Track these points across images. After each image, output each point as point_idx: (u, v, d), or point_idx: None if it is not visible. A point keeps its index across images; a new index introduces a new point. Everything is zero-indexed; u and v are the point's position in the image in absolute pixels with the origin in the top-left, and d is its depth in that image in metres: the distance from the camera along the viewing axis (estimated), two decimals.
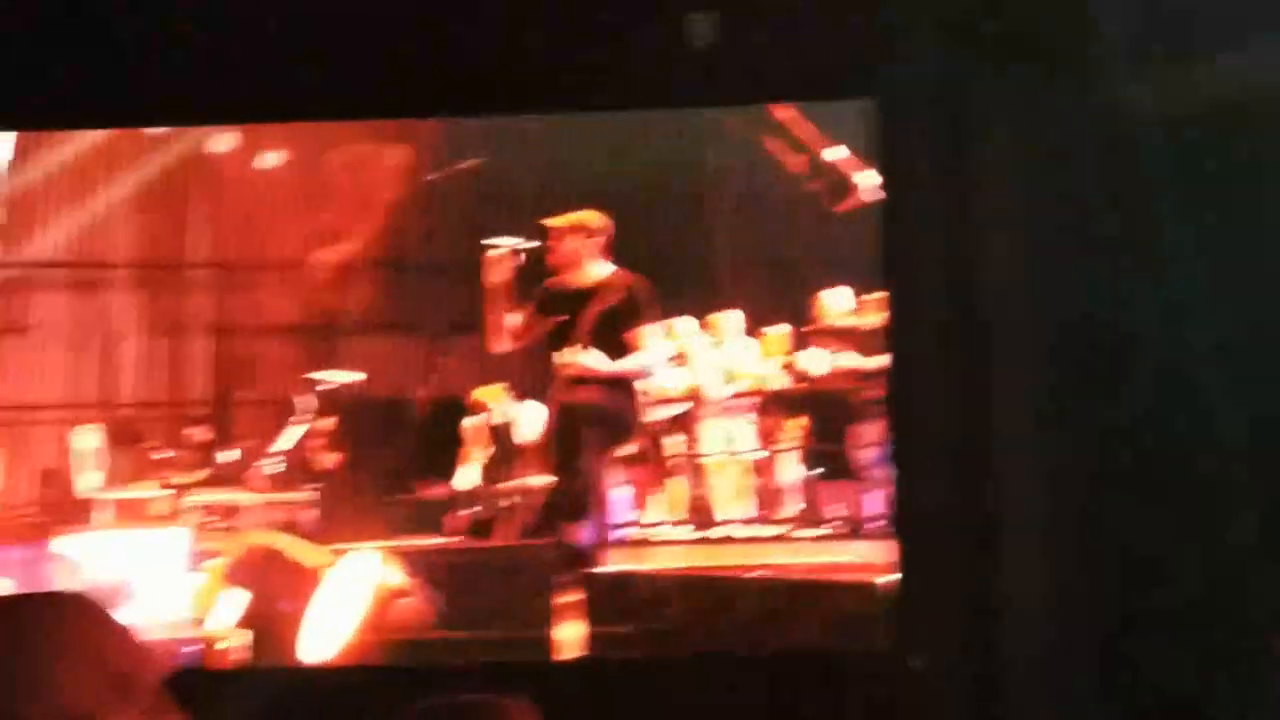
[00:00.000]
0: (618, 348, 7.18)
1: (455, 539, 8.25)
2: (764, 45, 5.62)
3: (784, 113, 4.71)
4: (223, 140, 13.74)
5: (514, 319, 7.31)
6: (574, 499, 7.24)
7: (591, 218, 7.39)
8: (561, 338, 7.21)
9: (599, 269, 7.31)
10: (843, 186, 4.43)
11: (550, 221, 7.30)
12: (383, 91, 6.12)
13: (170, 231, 14.03)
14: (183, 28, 5.86)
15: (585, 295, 7.14)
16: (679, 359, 9.48)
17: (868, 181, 4.27)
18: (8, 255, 13.02)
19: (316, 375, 9.50)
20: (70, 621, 1.26)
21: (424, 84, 6.10)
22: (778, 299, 12.13)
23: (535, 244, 7.24)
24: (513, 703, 2.60)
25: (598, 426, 7.33)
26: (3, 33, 5.82)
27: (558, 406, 7.33)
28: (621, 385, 7.44)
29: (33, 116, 6.57)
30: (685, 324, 9.67)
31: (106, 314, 13.61)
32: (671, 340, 9.53)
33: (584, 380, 7.17)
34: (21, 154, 12.76)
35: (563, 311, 7.23)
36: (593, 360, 7.08)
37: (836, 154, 4.31)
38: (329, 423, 11.12)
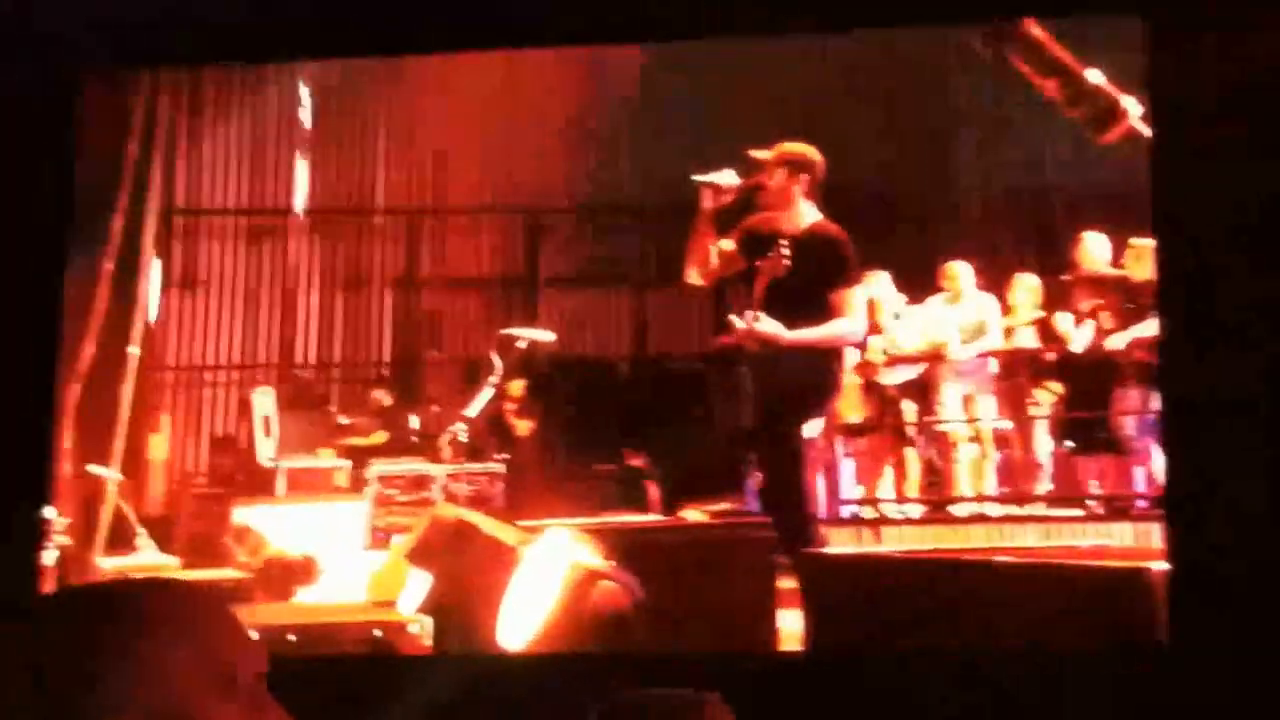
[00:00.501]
0: (812, 306, 7.00)
1: (659, 517, 8.27)
2: None
3: (1039, 31, 4.54)
4: (406, 75, 13.99)
5: (713, 252, 7.21)
6: (784, 473, 7.14)
7: (803, 150, 7.24)
8: (750, 286, 7.07)
9: (806, 213, 7.15)
10: (1110, 113, 4.23)
11: (757, 153, 7.19)
12: (586, 13, 6.10)
13: (351, 175, 14.35)
14: None
15: (783, 241, 6.98)
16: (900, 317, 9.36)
17: (1137, 108, 4.07)
18: (177, 202, 13.41)
19: (509, 332, 9.57)
20: (184, 610, 1.32)
21: (631, 5, 6.08)
22: (1024, 244, 11.93)
23: (740, 181, 7.14)
24: (705, 699, 2.56)
25: (797, 392, 7.18)
26: None
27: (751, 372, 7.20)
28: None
29: (206, 49, 6.71)
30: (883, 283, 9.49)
31: (283, 266, 13.95)
32: (886, 295, 9.38)
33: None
34: (192, 97, 13.16)
35: (756, 256, 7.09)
36: (771, 328, 6.90)
37: (1098, 77, 4.12)
38: (522, 386, 11.23)
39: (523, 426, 11.66)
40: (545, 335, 10.00)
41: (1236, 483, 5.16)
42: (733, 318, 7.04)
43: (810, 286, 6.85)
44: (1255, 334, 5.20)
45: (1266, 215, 5.17)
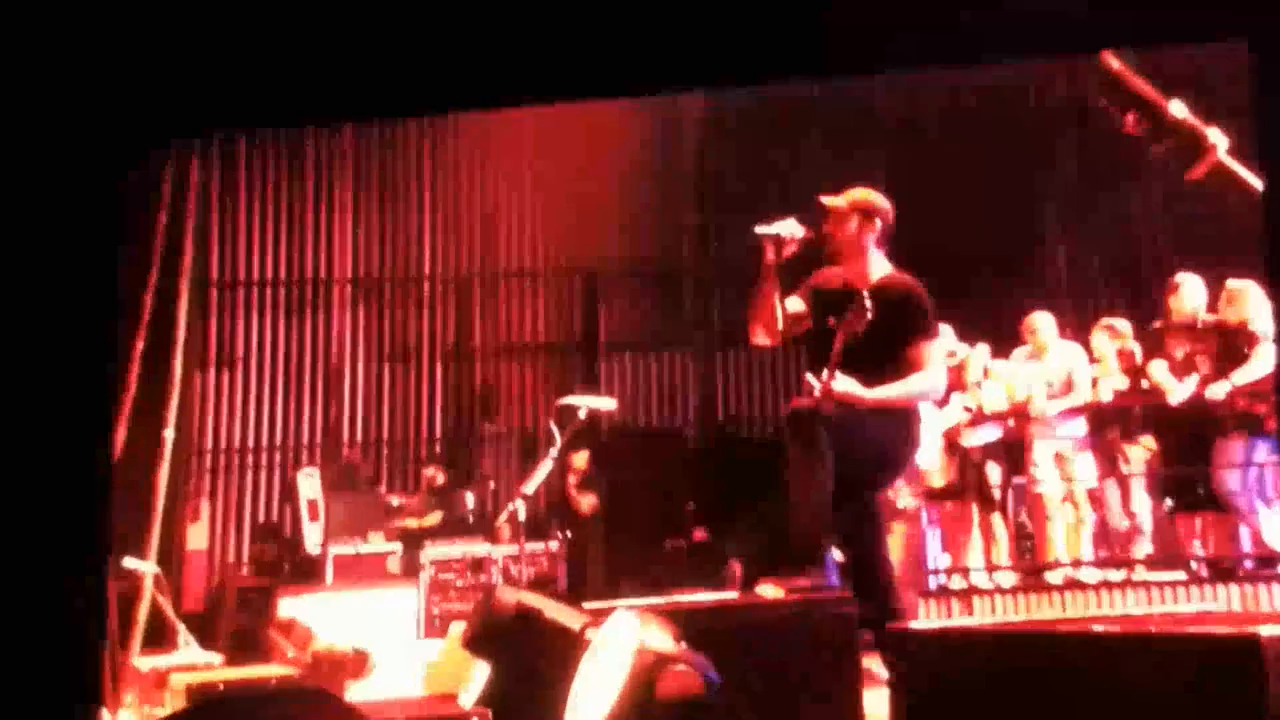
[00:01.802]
0: (890, 362, 6.98)
1: (733, 594, 8.24)
2: None
3: (1116, 63, 4.53)
4: (449, 135, 14.11)
5: (779, 310, 7.21)
6: (866, 543, 7.11)
7: (875, 198, 7.25)
8: (824, 344, 7.06)
9: (877, 264, 7.15)
10: (1195, 147, 4.19)
11: (829, 200, 7.19)
12: (656, 61, 6.15)
13: (396, 241, 14.44)
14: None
15: (857, 296, 6.97)
16: (995, 371, 9.32)
17: (1224, 141, 4.05)
18: (211, 274, 13.54)
19: (568, 401, 9.59)
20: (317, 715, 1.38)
21: (695, 49, 6.13)
22: (1111, 290, 11.93)
23: (804, 232, 7.14)
24: None
25: (875, 456, 7.16)
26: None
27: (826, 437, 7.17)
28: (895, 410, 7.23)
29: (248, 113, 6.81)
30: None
31: (326, 339, 14.03)
32: (968, 353, 9.36)
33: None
34: (224, 163, 13.32)
35: (830, 312, 7.08)
36: (849, 388, 6.88)
37: (1181, 109, 4.10)
38: (584, 458, 11.24)
39: (586, 502, 11.68)
40: (606, 403, 9.99)
41: None
42: (808, 378, 7.03)
43: (887, 341, 6.80)
44: None
45: None
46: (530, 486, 8.78)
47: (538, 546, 10.18)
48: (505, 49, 6.21)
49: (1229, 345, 8.66)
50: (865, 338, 6.69)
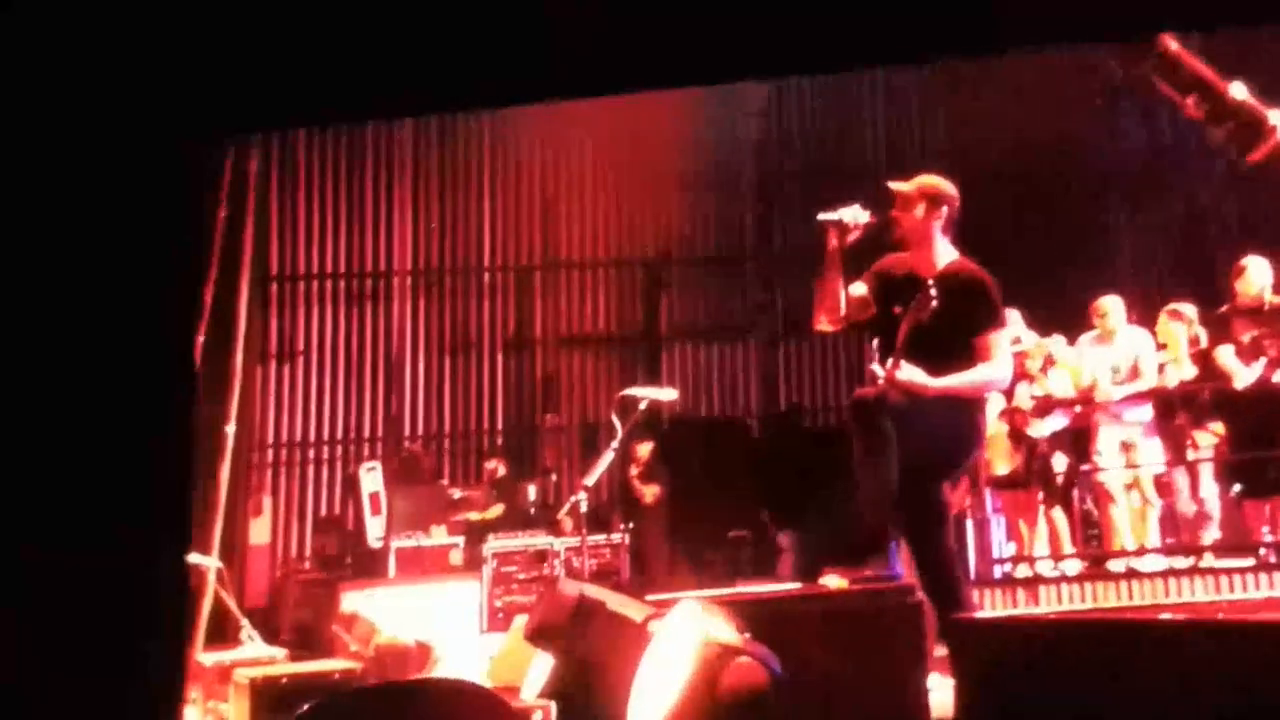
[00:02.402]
0: (956, 351, 6.98)
1: (798, 585, 8.27)
2: None
3: (1174, 45, 4.52)
4: (509, 123, 14.16)
5: (843, 296, 7.21)
6: (930, 533, 7.12)
7: (942, 184, 7.24)
8: (889, 331, 7.06)
9: (943, 251, 7.15)
10: (1255, 129, 4.18)
11: (896, 185, 7.20)
12: (721, 50, 6.20)
13: (456, 231, 14.50)
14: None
15: (923, 284, 6.97)
16: (1048, 360, 9.30)
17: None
18: (271, 268, 13.63)
19: (630, 392, 9.64)
20: (469, 709, 1.46)
21: (767, 37, 6.16)
22: (1177, 274, 11.87)
23: (868, 218, 7.14)
24: None
25: (941, 445, 7.17)
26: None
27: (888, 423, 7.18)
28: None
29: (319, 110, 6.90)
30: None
31: (386, 331, 14.11)
32: (1036, 341, 9.36)
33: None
34: (283, 155, 13.42)
35: (895, 299, 7.08)
36: (915, 376, 6.88)
37: (1241, 91, 4.09)
38: (648, 449, 11.29)
39: (649, 493, 11.73)
40: (668, 394, 10.03)
41: None
42: (874, 367, 7.03)
43: (953, 331, 6.79)
44: None
45: None
46: (592, 478, 8.83)
47: (600, 538, 10.22)
48: (565, 41, 6.27)
49: None
50: (931, 326, 6.69)
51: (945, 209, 6.91)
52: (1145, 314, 9.68)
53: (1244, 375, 8.82)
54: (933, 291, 6.63)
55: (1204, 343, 9.31)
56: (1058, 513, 9.34)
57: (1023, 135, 12.76)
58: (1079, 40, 6.71)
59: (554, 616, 7.15)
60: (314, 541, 12.51)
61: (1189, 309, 9.54)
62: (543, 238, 14.80)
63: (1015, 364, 7.97)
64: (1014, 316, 9.43)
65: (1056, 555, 9.30)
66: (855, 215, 6.85)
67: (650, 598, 7.17)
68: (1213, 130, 3.72)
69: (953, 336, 6.70)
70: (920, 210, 6.90)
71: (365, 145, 14.11)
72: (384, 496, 10.97)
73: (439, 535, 10.55)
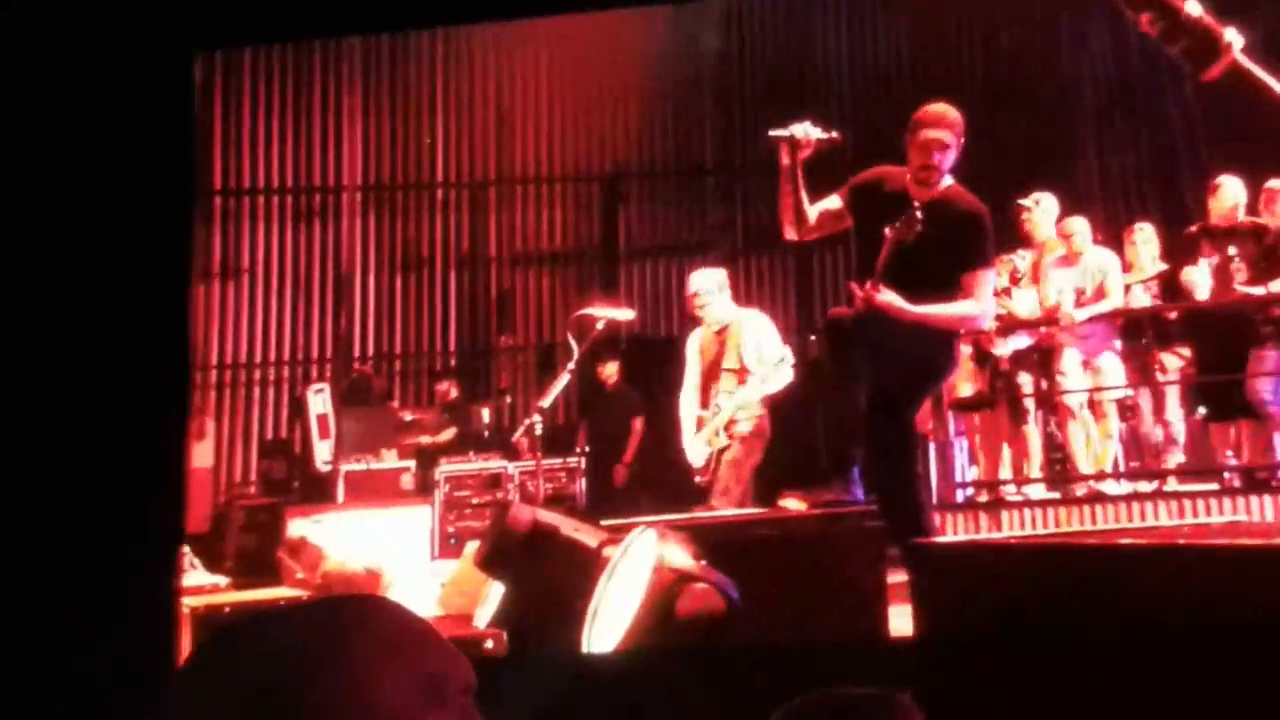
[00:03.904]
0: (940, 281, 6.97)
1: (753, 510, 8.31)
2: None
3: None
4: (461, 34, 14.06)
5: (808, 209, 7.21)
6: (894, 457, 7.16)
7: (939, 110, 7.21)
8: (872, 250, 7.04)
9: (942, 180, 7.13)
10: (1210, 47, 4.20)
11: (953, 113, 7.13)
12: None
13: (407, 146, 14.44)
14: None
15: (911, 205, 6.96)
16: (1017, 278, 9.33)
17: (1239, 40, 4.05)
18: (214, 182, 13.54)
19: (587, 312, 9.64)
20: (385, 623, 1.47)
21: None
22: (1143, 192, 11.92)
23: (820, 134, 7.14)
24: (896, 699, 2.61)
25: (912, 372, 7.20)
26: None
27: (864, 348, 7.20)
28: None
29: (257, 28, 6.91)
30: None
31: (335, 249, 14.06)
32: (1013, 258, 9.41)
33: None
34: (226, 64, 13.32)
35: (883, 216, 7.06)
36: (894, 301, 6.88)
37: (1195, 8, 4.11)
38: (613, 369, 11.29)
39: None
40: (625, 314, 10.06)
41: None
42: (852, 285, 7.03)
43: (939, 259, 6.78)
44: None
45: None
46: (548, 400, 8.87)
47: (556, 462, 10.25)
48: None
49: (1267, 249, 8.68)
50: (915, 251, 6.69)
51: (938, 134, 6.91)
52: (1112, 234, 9.73)
53: (1201, 287, 8.90)
54: (919, 215, 6.64)
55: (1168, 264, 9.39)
56: (1029, 431, 9.40)
57: (989, 47, 12.80)
58: None
59: (507, 542, 7.20)
60: (259, 465, 12.51)
61: (1149, 228, 9.60)
62: (497, 152, 14.73)
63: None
64: (1083, 223, 9.48)
65: (1020, 479, 9.37)
66: (806, 131, 6.86)
67: (606, 523, 7.23)
68: (1168, 47, 3.76)
69: (938, 265, 6.71)
70: (953, 154, 6.89)
71: (312, 56, 14.00)
72: (332, 419, 10.97)
73: (389, 459, 10.56)
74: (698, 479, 8.60)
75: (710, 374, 8.79)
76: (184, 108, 6.14)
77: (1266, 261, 8.66)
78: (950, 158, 6.83)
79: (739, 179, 14.29)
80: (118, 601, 5.39)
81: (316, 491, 10.46)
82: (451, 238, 14.52)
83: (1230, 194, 9.05)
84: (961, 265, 6.71)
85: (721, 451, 8.50)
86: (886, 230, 6.74)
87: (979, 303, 6.81)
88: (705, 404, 8.69)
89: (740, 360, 8.68)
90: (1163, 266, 9.30)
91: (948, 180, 6.88)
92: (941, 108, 6.92)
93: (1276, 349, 8.57)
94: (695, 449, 8.64)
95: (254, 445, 13.29)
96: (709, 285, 8.93)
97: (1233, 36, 3.65)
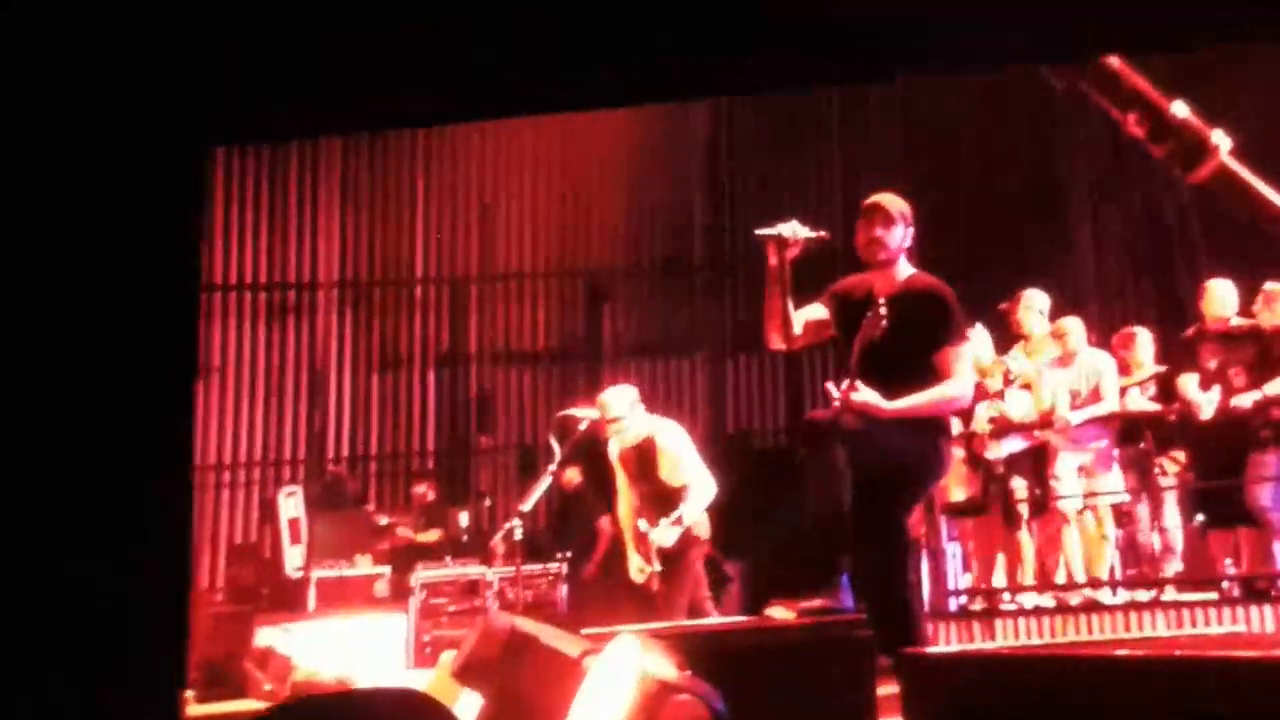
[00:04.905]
0: (914, 369, 7.03)
1: (739, 619, 8.30)
2: None
3: (1115, 61, 4.62)
4: (453, 132, 14.12)
5: (794, 315, 7.25)
6: (884, 563, 7.17)
7: (898, 201, 7.32)
8: (847, 352, 7.10)
9: (901, 267, 7.22)
10: (1198, 149, 4.26)
11: (885, 201, 7.25)
12: (676, 69, 6.32)
13: (386, 240, 14.45)
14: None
15: (880, 300, 7.03)
16: (1010, 380, 9.36)
17: (1225, 142, 4.10)
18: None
19: (569, 413, 9.65)
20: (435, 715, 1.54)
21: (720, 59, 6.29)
22: (1137, 295, 11.99)
23: (808, 234, 7.21)
24: None
25: (899, 472, 7.22)
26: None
27: (844, 449, 7.22)
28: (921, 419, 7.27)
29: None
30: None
31: (310, 346, 14.05)
32: (1001, 358, 9.45)
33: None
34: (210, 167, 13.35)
35: (853, 319, 7.13)
36: (869, 398, 6.92)
37: (1183, 110, 4.17)
38: (575, 474, 11.26)
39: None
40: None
41: None
42: (828, 386, 7.07)
43: (911, 348, 6.82)
44: None
45: None
46: (528, 504, 8.86)
47: (536, 568, 10.24)
48: (509, 59, 6.36)
49: (1265, 351, 8.71)
50: (887, 345, 6.72)
51: (911, 228, 6.99)
52: (1107, 334, 9.78)
53: (1206, 406, 8.91)
54: (883, 309, 6.69)
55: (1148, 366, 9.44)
56: (1023, 538, 9.39)
57: (982, 145, 12.90)
58: (1018, 62, 6.81)
59: (484, 652, 7.17)
60: (227, 571, 12.45)
61: (1146, 332, 9.66)
62: (479, 247, 14.78)
63: (975, 384, 8.02)
64: (982, 335, 9.51)
65: (1015, 586, 9.36)
66: (794, 230, 6.88)
67: (587, 631, 7.21)
68: (1154, 148, 3.81)
69: (910, 354, 6.73)
70: (899, 229, 6.97)
71: (288, 147, 14.07)
72: (305, 522, 10.94)
73: (363, 564, 10.53)
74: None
75: (638, 489, 8.87)
76: (196, 202, 6.23)
77: (1263, 365, 8.70)
78: (897, 234, 6.89)
79: (727, 276, 14.37)
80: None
81: (286, 598, 10.41)
82: (431, 335, 14.55)
83: (1219, 298, 9.11)
84: (931, 346, 6.75)
85: (659, 572, 8.56)
86: (855, 330, 6.80)
87: (956, 381, 6.83)
88: (647, 516, 8.74)
89: (666, 477, 8.75)
90: (1159, 369, 9.34)
91: (908, 269, 6.95)
92: (881, 195, 7.03)
93: (1276, 454, 8.59)
94: (635, 566, 8.69)
95: (222, 550, 13.23)
96: (622, 406, 9.01)
97: (1220, 138, 3.71)
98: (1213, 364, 8.96)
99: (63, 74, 5.46)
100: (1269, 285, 8.82)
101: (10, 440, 5.12)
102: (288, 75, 6.45)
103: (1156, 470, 9.32)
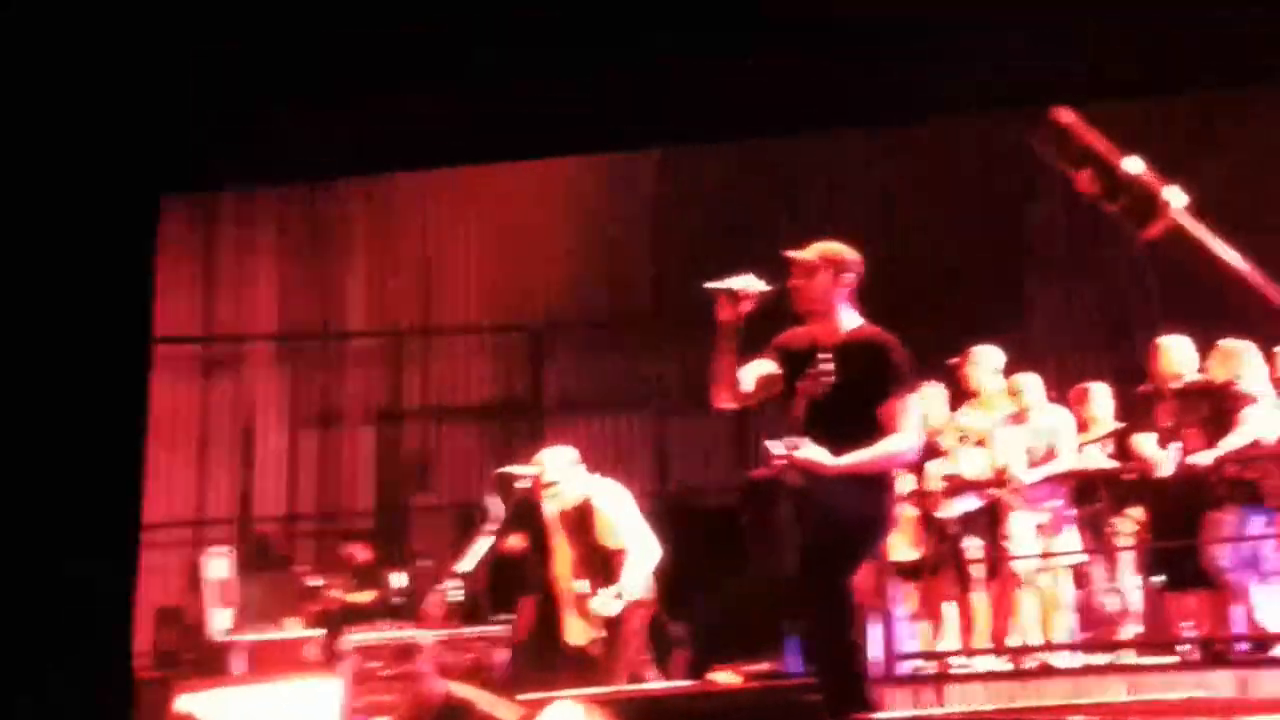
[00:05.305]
0: (859, 424, 6.96)
1: (684, 683, 8.24)
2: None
3: (1067, 115, 4.57)
4: (393, 180, 14.05)
5: (744, 372, 7.19)
6: (831, 626, 7.09)
7: (843, 250, 7.26)
8: (793, 403, 7.04)
9: (847, 319, 7.16)
10: (1150, 205, 4.22)
11: (796, 254, 7.20)
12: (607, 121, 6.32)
13: (322, 293, 14.38)
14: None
15: (827, 353, 6.96)
16: (974, 436, 9.34)
17: (1178, 199, 4.06)
18: None
19: (508, 471, 9.56)
20: None
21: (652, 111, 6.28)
22: (1094, 351, 12.01)
23: (762, 287, 7.14)
24: None
25: (845, 531, 7.14)
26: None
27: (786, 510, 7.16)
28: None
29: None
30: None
31: (241, 402, 13.95)
32: (956, 417, 9.43)
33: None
34: None
35: (796, 373, 7.07)
36: (813, 455, 6.85)
37: (1134, 165, 4.13)
38: (519, 541, 11.17)
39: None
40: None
41: None
42: (769, 444, 6.99)
43: (855, 401, 6.78)
44: None
45: None
46: (466, 564, 8.76)
47: (474, 631, 10.12)
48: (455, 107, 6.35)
49: (1218, 408, 8.70)
50: (830, 399, 6.66)
51: (848, 276, 6.91)
52: (1064, 391, 9.76)
53: (1165, 464, 8.88)
54: (824, 362, 6.62)
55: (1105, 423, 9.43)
56: (976, 599, 9.33)
57: (935, 199, 12.90)
58: (968, 110, 6.84)
59: (418, 718, 7.08)
60: (153, 635, 12.29)
61: (1104, 388, 9.65)
62: (419, 299, 14.69)
63: (926, 441, 7.96)
64: (935, 391, 9.48)
65: (967, 650, 9.30)
66: (747, 284, 6.81)
67: (523, 697, 7.11)
68: (1107, 205, 3.76)
69: (855, 408, 6.67)
70: (822, 279, 6.89)
71: (220, 195, 13.97)
72: (233, 585, 10.83)
73: (293, 627, 10.42)
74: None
75: (576, 550, 8.81)
76: (146, 252, 6.21)
77: (1218, 422, 8.68)
78: (821, 284, 6.83)
79: (676, 331, 14.29)
80: None
81: (211, 663, 10.29)
82: (368, 390, 14.44)
83: (1170, 356, 9.10)
84: (876, 398, 6.69)
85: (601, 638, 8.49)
86: (797, 384, 6.74)
87: (902, 435, 6.77)
88: (586, 577, 8.66)
89: (604, 540, 8.69)
90: (1117, 426, 9.32)
91: (857, 322, 6.89)
92: (820, 244, 6.99)
93: (1233, 513, 8.56)
94: (574, 630, 8.60)
95: (145, 614, 13.05)
96: (559, 468, 8.97)
97: (1173, 195, 3.65)
98: (1169, 422, 8.93)
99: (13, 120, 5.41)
100: (1223, 342, 8.81)
101: None
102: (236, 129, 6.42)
103: (1110, 530, 9.29)
